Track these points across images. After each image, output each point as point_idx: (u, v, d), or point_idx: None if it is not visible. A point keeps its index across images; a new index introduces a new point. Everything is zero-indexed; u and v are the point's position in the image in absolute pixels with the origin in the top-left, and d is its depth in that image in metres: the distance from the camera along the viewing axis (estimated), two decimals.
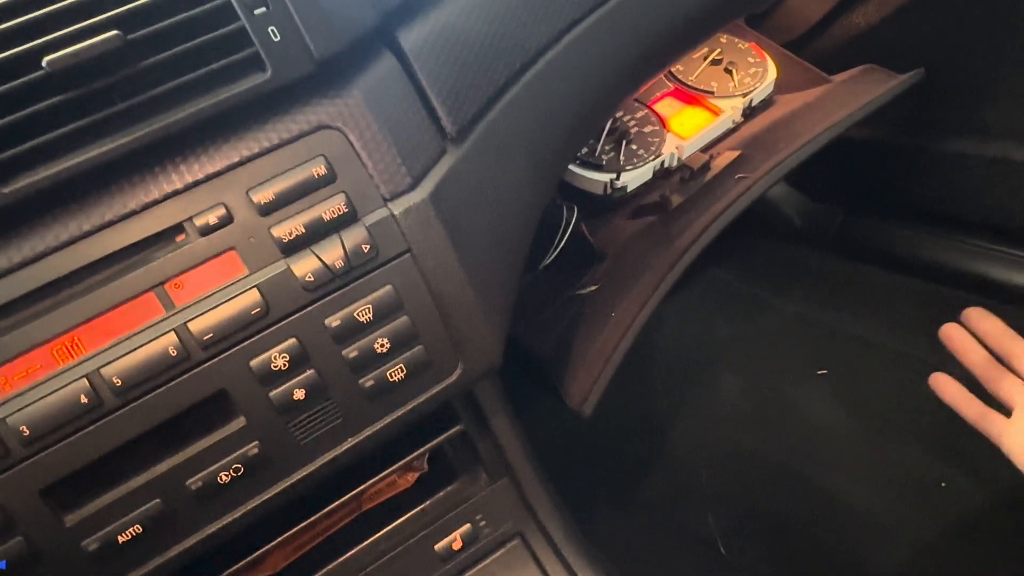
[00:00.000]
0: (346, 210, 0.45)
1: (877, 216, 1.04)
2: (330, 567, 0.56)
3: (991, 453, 0.73)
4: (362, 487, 0.54)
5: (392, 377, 0.47)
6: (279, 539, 0.53)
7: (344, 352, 0.46)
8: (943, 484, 0.89)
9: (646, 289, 0.75)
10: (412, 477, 0.58)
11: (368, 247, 0.45)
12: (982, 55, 0.83)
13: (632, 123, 0.88)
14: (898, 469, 0.91)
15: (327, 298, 0.45)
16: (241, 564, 0.53)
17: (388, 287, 0.46)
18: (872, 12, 0.88)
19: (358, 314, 0.45)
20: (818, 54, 0.94)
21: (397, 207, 0.46)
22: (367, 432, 0.47)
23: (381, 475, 0.54)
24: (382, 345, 0.46)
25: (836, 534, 0.89)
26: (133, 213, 0.42)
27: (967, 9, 0.81)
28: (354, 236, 0.45)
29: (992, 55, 0.83)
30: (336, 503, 0.54)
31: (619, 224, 0.86)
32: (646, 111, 0.89)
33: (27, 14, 0.39)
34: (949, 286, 0.97)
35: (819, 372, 1.01)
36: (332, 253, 0.45)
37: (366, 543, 0.57)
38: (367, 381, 0.46)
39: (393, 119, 0.47)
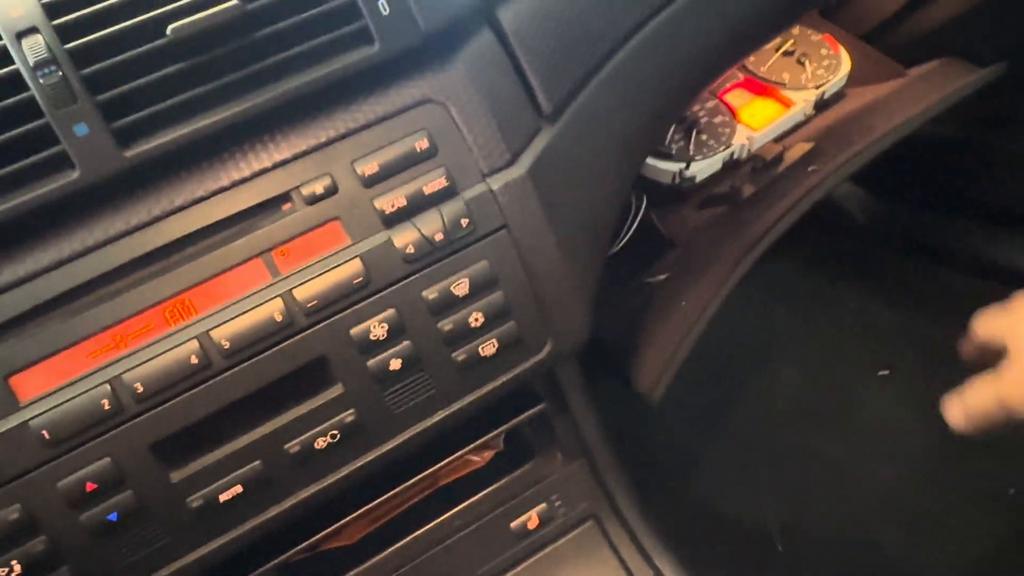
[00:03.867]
0: (447, 184, 0.45)
1: (945, 215, 1.02)
2: (407, 540, 0.57)
3: None
4: (442, 463, 0.55)
5: (484, 351, 0.47)
6: (360, 511, 0.54)
7: (439, 325, 0.46)
8: (1012, 491, 0.87)
9: (717, 280, 0.75)
10: (488, 456, 0.59)
11: (467, 221, 0.46)
12: None
13: (702, 113, 0.87)
14: (964, 473, 0.89)
15: (425, 270, 0.46)
16: (322, 534, 0.54)
17: (484, 262, 0.46)
18: (952, 3, 0.86)
19: (455, 288, 0.46)
20: (894, 46, 0.92)
21: (495, 182, 0.47)
22: (458, 404, 0.48)
23: (461, 452, 0.55)
24: (476, 319, 0.47)
25: (896, 536, 0.87)
26: (243, 181, 0.44)
27: None
28: (453, 210, 0.45)
29: None
30: (416, 478, 0.55)
31: (688, 214, 0.85)
32: (716, 101, 0.88)
33: None
34: (1018, 287, 0.95)
35: (881, 372, 0.99)
36: (432, 226, 0.45)
37: (443, 517, 0.57)
38: (460, 354, 0.47)
39: (492, 95, 0.47)
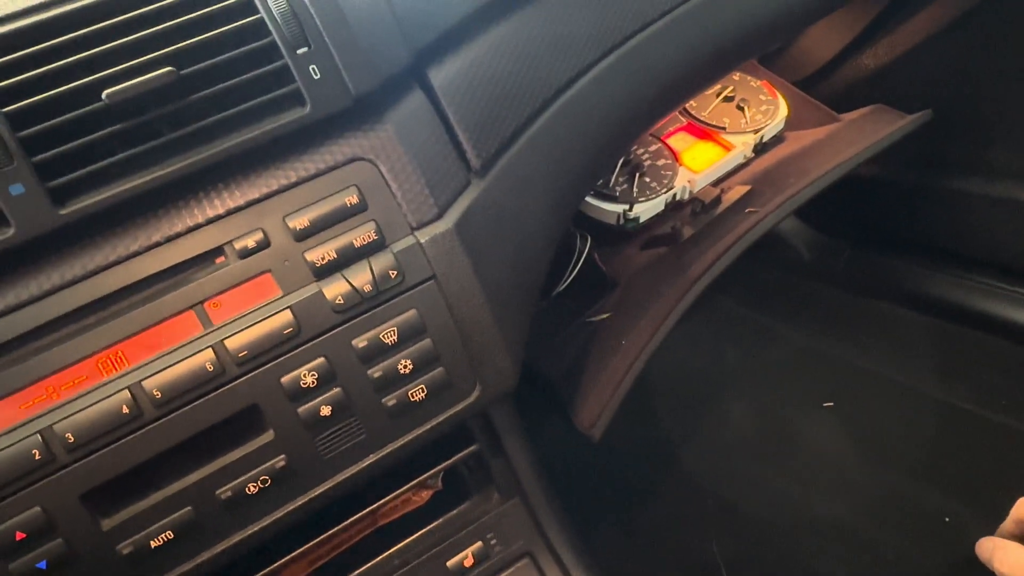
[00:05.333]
0: (376, 237, 0.47)
1: (884, 251, 1.06)
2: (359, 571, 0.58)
3: (996, 488, 0.74)
4: (378, 503, 0.56)
5: (413, 397, 0.49)
6: (297, 551, 0.55)
7: (369, 372, 0.48)
8: (947, 519, 0.90)
9: (656, 318, 0.78)
10: (426, 495, 0.60)
11: (395, 272, 0.48)
12: (989, 97, 0.86)
13: (646, 156, 0.90)
14: (903, 502, 0.92)
15: (355, 320, 0.47)
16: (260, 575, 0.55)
17: (413, 311, 0.48)
18: (881, 53, 0.91)
19: (383, 336, 0.48)
20: (828, 93, 0.97)
21: (423, 235, 0.49)
22: (388, 448, 0.50)
23: (397, 492, 0.56)
24: (405, 366, 0.48)
25: (841, 565, 0.89)
26: (178, 236, 0.45)
27: (974, 52, 0.84)
28: (382, 262, 0.47)
29: (999, 97, 0.85)
30: (353, 518, 0.56)
31: (631, 254, 0.88)
32: (659, 145, 0.92)
33: (89, 49, 0.42)
34: (955, 322, 0.99)
35: (825, 404, 1.02)
36: (361, 277, 0.47)
37: (380, 558, 0.58)
38: (390, 400, 0.49)
39: (421, 152, 0.50)
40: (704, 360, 1.09)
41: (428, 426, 0.50)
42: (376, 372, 0.48)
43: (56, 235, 0.43)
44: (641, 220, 0.87)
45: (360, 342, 0.47)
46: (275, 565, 0.55)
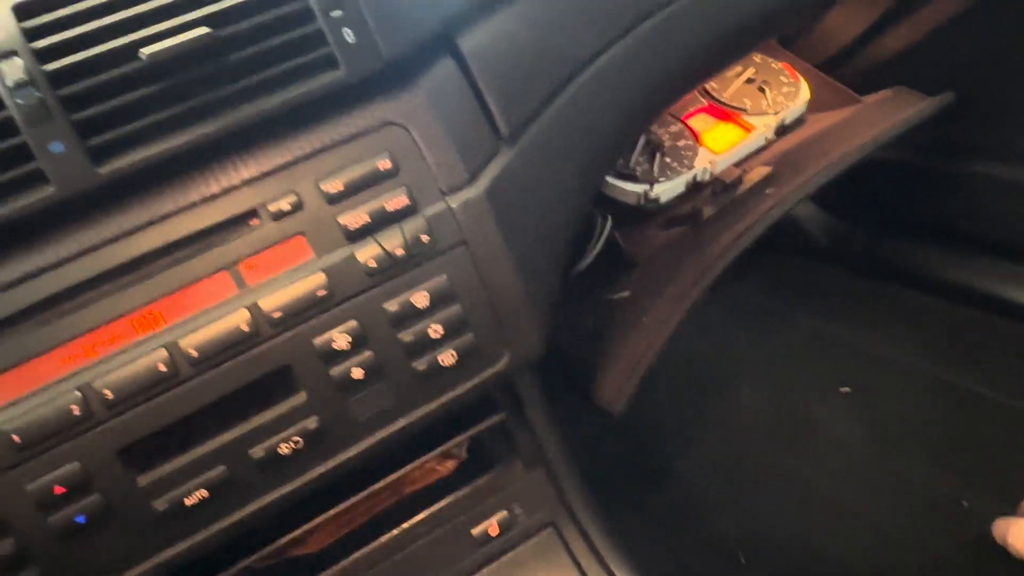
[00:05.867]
0: (408, 202, 0.48)
1: (901, 236, 1.06)
2: (371, 547, 0.58)
3: (1012, 473, 0.74)
4: (405, 469, 0.57)
5: (443, 362, 0.49)
6: (323, 516, 0.56)
7: (400, 336, 0.48)
8: (964, 504, 0.90)
9: (676, 297, 0.78)
10: (451, 465, 0.61)
11: (427, 237, 0.48)
12: (1012, 80, 0.86)
13: (667, 137, 0.90)
14: (917, 487, 0.92)
15: (387, 284, 0.48)
16: (287, 538, 0.56)
17: (443, 276, 0.49)
18: (904, 35, 0.90)
19: (414, 300, 0.48)
20: (851, 75, 0.96)
21: (454, 201, 0.49)
22: (418, 413, 0.50)
23: (423, 459, 0.57)
24: (435, 331, 0.49)
25: (854, 550, 0.90)
26: (213, 197, 0.46)
27: (997, 34, 0.84)
28: (414, 226, 0.48)
29: (1021, 80, 0.85)
30: (380, 483, 0.57)
31: (651, 234, 0.88)
32: (680, 126, 0.92)
33: (128, 9, 0.42)
34: (972, 307, 0.99)
35: (842, 389, 1.02)
36: (393, 241, 0.48)
37: (406, 525, 0.59)
38: (420, 364, 0.49)
39: (452, 118, 0.50)
40: (717, 344, 1.09)
41: (458, 391, 0.51)
42: (407, 336, 0.48)
43: (94, 194, 0.43)
44: (662, 200, 0.87)
45: (391, 306, 0.48)
46: (302, 529, 0.56)
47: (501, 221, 0.50)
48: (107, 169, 0.43)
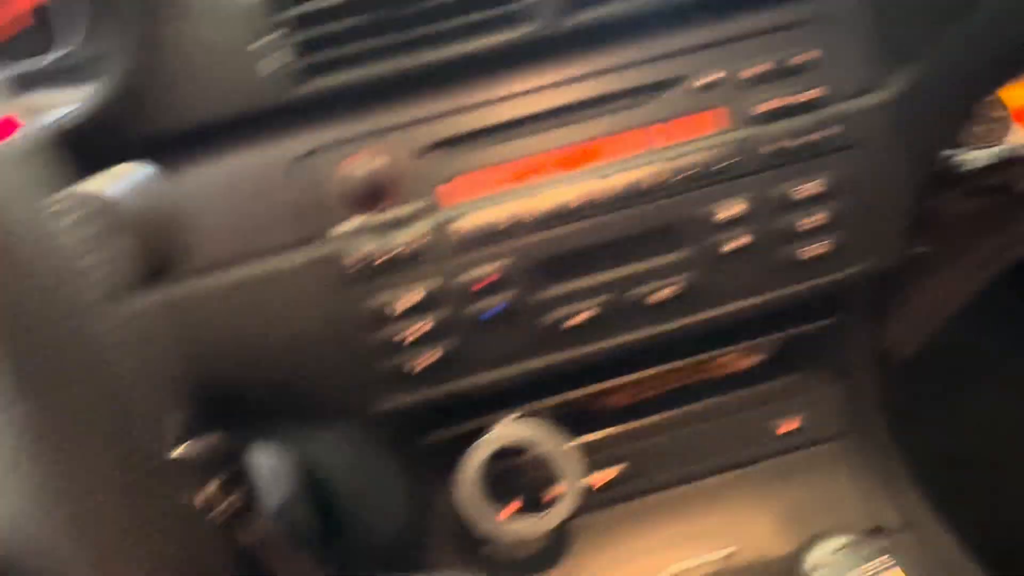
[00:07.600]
0: (819, 95, 0.51)
1: None
2: (665, 414, 0.64)
3: None
4: (718, 351, 0.61)
5: (813, 252, 0.53)
6: (637, 374, 0.61)
7: (780, 220, 0.52)
8: None
9: (968, 267, 0.77)
10: (754, 360, 0.64)
11: (830, 132, 0.51)
12: None
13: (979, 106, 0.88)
14: None
15: (779, 169, 0.52)
16: (591, 390, 0.61)
17: (835, 171, 0.52)
18: None
19: (800, 191, 0.52)
20: None
21: (862, 103, 0.52)
22: (778, 293, 0.54)
23: (738, 345, 0.61)
24: (815, 222, 0.52)
25: None
26: (645, 62, 0.51)
27: None
28: (819, 119, 0.51)
29: None
30: (690, 359, 0.61)
31: (954, 199, 0.86)
32: (994, 96, 0.89)
33: None
34: None
35: None
36: (794, 132, 0.51)
37: (705, 402, 0.64)
38: (792, 250, 0.53)
39: (870, 27, 0.53)
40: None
41: (820, 281, 0.54)
42: (786, 222, 0.52)
43: (554, 41, 0.50)
44: (965, 168, 0.85)
45: (778, 191, 0.52)
46: (604, 385, 0.61)
47: (902, 132, 0.52)
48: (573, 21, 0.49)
